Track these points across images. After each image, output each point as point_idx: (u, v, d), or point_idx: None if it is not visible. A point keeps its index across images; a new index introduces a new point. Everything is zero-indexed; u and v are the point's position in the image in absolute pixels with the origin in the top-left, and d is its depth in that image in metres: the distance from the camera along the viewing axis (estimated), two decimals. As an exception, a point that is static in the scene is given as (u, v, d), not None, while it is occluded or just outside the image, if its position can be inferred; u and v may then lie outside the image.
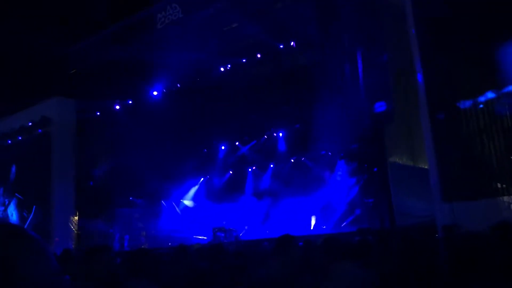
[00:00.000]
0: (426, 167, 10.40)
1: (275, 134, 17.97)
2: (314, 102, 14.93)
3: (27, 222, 17.97)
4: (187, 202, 19.71)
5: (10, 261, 0.81)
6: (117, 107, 17.59)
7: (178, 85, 16.28)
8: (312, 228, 16.36)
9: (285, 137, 17.82)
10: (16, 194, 18.88)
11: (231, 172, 19.65)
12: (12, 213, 19.00)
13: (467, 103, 9.24)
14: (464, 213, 8.71)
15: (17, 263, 0.81)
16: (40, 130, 17.85)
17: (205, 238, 16.59)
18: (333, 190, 16.66)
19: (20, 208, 18.73)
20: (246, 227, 17.84)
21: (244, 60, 15.65)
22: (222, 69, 16.06)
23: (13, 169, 19.08)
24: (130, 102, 16.94)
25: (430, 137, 9.70)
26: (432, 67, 9.70)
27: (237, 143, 18.79)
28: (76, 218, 17.28)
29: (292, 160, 18.29)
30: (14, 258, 0.81)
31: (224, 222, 16.92)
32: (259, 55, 15.48)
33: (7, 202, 19.38)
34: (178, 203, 19.46)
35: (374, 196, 13.74)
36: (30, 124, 18.05)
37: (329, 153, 17.10)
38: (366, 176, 14.38)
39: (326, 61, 13.12)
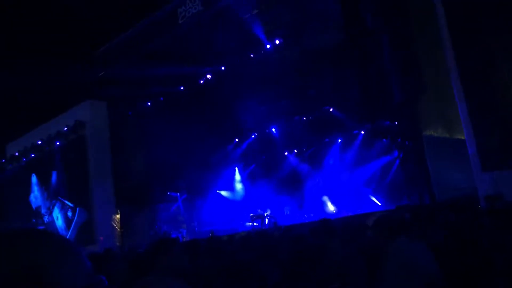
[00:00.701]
0: (462, 137, 10.22)
1: (304, 118, 17.91)
2: (340, 82, 14.87)
3: (72, 224, 18.71)
4: (224, 192, 20.02)
5: (40, 270, 0.77)
6: (148, 104, 17.94)
7: (209, 75, 16.36)
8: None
9: (313, 120, 17.77)
10: (59, 197, 19.57)
11: (264, 157, 19.83)
12: (57, 216, 19.73)
13: (500, 69, 9.01)
14: (507, 182, 8.55)
15: (47, 271, 0.78)
16: (75, 134, 18.38)
17: (256, 224, 16.72)
18: (369, 169, 16.61)
19: (64, 211, 19.42)
20: (287, 212, 17.99)
21: (268, 46, 15.56)
22: (248, 56, 16.00)
23: (54, 174, 19.78)
24: (162, 99, 17.21)
25: (465, 106, 9.52)
26: (462, 36, 9.48)
27: (267, 130, 18.88)
28: (118, 216, 17.82)
29: (327, 140, 18.30)
30: (43, 266, 0.78)
31: (259, 210, 17.10)
32: (279, 41, 15.36)
33: (51, 207, 20.15)
34: (215, 194, 19.78)
35: (411, 172, 13.58)
36: (65, 129, 18.58)
37: (362, 132, 17.01)
38: (401, 152, 14.22)
39: (353, 38, 12.95)
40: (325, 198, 17.28)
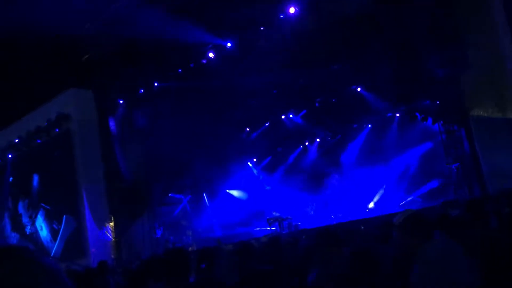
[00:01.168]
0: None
1: (327, 101, 17.88)
2: (370, 56, 14.86)
3: (59, 235, 19.07)
4: (235, 192, 20.22)
5: None
6: (141, 90, 18.05)
7: (211, 54, 16.30)
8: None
9: (338, 103, 17.75)
10: (42, 204, 19.92)
11: (280, 149, 19.98)
12: (41, 226, 20.10)
13: None
14: None
15: None
16: (58, 129, 18.62)
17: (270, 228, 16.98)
18: (406, 158, 16.67)
19: (49, 219, 19.76)
20: (311, 212, 18.18)
21: (281, 16, 15.43)
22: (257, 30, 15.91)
23: (35, 176, 20.11)
24: (156, 84, 17.32)
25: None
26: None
27: (283, 117, 18.97)
28: (112, 224, 18.09)
29: (355, 126, 18.35)
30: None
31: (274, 213, 17.28)
32: (295, 9, 15.25)
33: (33, 216, 20.46)
34: (225, 194, 19.99)
35: (458, 160, 13.61)
36: (46, 123, 18.82)
37: (397, 115, 17.03)
38: (445, 136, 14.25)
39: (385, 3, 12.92)
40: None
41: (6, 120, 20.37)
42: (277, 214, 17.08)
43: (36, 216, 20.31)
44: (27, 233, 20.78)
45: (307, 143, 19.63)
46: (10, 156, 21.04)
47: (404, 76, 13.95)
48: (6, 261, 0.88)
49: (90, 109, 18.33)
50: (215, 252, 5.54)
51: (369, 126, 18.20)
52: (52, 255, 18.95)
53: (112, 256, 17.42)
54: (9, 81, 17.67)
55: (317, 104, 18.00)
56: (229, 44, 15.90)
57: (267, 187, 18.35)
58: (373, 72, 15.44)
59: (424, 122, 15.32)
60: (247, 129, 19.57)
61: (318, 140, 19.44)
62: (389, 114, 17.36)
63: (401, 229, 3.58)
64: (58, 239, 19.13)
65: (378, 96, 16.41)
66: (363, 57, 15.10)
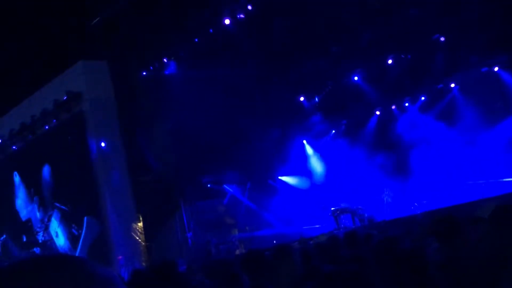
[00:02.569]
0: None
1: (402, 56, 17.51)
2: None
3: (80, 242, 19.11)
4: (287, 178, 20.06)
5: None
6: (165, 59, 17.93)
7: (249, 6, 16.16)
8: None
9: (416, 58, 17.34)
10: (57, 204, 20.08)
11: (345, 122, 19.66)
12: (57, 232, 20.26)
13: None
14: None
15: None
16: (69, 112, 18.70)
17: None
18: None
19: (66, 223, 19.85)
20: (388, 199, 17.79)
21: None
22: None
23: (45, 171, 20.25)
24: (182, 54, 17.22)
25: None
26: None
27: (345, 80, 18.67)
28: (141, 225, 18.20)
29: (440, 86, 17.91)
30: None
31: (342, 204, 17.10)
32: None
33: (46, 219, 20.62)
34: (277, 181, 19.84)
35: None
36: (53, 105, 18.91)
37: (495, 69, 16.50)
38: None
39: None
40: None
41: (5, 105, 20.61)
42: (346, 205, 16.82)
43: (50, 220, 20.46)
44: (40, 241, 20.91)
45: (378, 112, 19.19)
46: (14, 148, 21.28)
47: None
48: (59, 272, 0.95)
49: (105, 85, 18.33)
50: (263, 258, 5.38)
51: (456, 87, 17.66)
52: None
53: (143, 264, 17.53)
54: (4, 55, 17.85)
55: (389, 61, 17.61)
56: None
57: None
58: (458, 17, 14.97)
59: None
60: (301, 98, 19.29)
61: (393, 107, 19.01)
62: (484, 69, 16.80)
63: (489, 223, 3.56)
64: (79, 247, 19.15)
65: (467, 46, 15.91)
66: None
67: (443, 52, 16.39)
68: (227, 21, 16.43)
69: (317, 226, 18.15)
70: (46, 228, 20.64)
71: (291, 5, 15.60)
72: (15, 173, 21.74)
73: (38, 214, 21.01)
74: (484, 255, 3.48)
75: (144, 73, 18.12)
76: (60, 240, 20.09)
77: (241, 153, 18.05)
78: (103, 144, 18.04)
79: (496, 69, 16.55)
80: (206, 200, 19.28)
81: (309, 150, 20.40)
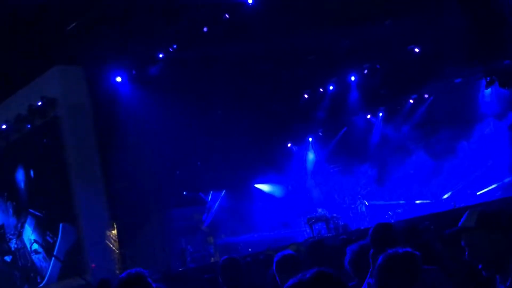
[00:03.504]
0: None
1: (378, 66, 17.74)
2: (430, 7, 14.63)
3: (55, 250, 18.62)
4: (263, 186, 20.19)
5: None
6: (145, 64, 17.95)
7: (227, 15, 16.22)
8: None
9: (392, 68, 17.56)
10: (31, 210, 19.69)
11: (320, 133, 19.86)
12: (31, 240, 19.75)
13: None
14: None
15: None
16: (43, 117, 18.55)
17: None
18: (483, 134, 16.40)
19: (40, 230, 19.41)
20: (362, 208, 17.98)
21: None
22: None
23: (18, 176, 20.00)
24: (161, 56, 17.24)
25: None
26: None
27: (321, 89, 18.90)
28: (115, 232, 18.16)
29: (414, 97, 18.20)
30: None
31: (319, 209, 17.26)
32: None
33: (20, 226, 20.20)
34: (253, 189, 19.96)
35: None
36: (28, 111, 18.76)
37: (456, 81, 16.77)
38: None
39: None
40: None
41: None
42: (323, 212, 17.00)
43: (23, 227, 20.05)
44: (12, 249, 20.45)
45: (369, 116, 19.50)
46: None
47: (477, 28, 13.73)
48: None
49: (81, 91, 18.14)
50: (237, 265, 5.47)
51: (431, 97, 17.99)
52: (46, 279, 18.65)
53: (117, 272, 17.44)
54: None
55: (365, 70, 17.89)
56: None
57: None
58: (436, 27, 15.23)
59: (506, 88, 15.01)
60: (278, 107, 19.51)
61: (369, 116, 19.31)
62: (458, 80, 17.12)
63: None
64: (53, 255, 18.71)
65: (445, 57, 16.16)
66: (421, 9, 14.89)
67: (418, 63, 16.63)
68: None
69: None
70: (19, 235, 20.19)
71: (261, 15, 15.71)
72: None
73: (11, 220, 20.60)
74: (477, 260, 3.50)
75: (120, 79, 18.10)
76: (34, 248, 19.58)
77: (217, 160, 18.19)
78: (78, 150, 17.96)
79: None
80: (181, 208, 19.33)
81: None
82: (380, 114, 19.04)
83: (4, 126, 19.77)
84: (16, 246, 20.39)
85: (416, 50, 16.74)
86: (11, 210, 20.66)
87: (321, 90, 19.10)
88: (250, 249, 17.49)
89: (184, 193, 19.33)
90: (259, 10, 15.58)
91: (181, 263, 17.18)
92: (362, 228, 15.54)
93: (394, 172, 18.17)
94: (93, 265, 17.48)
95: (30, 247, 19.64)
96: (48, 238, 19.00)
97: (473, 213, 3.49)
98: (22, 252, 20.08)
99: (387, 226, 4.92)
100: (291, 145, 20.85)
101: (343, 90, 18.67)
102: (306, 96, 19.40)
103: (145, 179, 18.07)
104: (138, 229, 18.19)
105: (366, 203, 18.08)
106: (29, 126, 19.09)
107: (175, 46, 17.12)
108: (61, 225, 18.52)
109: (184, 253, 17.72)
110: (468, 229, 3.47)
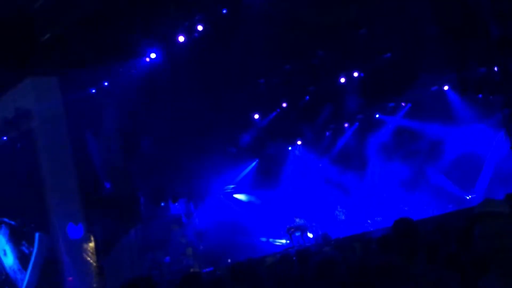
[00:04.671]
0: None
1: (355, 75, 17.80)
2: (403, 14, 14.77)
3: (31, 261, 18.48)
4: (240, 196, 20.25)
5: None
6: (118, 73, 17.96)
7: (200, 26, 16.33)
8: None
9: (367, 76, 17.68)
10: (5, 219, 19.48)
11: (299, 143, 19.95)
12: (4, 250, 19.57)
13: None
14: None
15: None
16: (18, 130, 18.48)
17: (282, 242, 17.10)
18: (457, 145, 16.56)
19: (15, 239, 19.19)
20: (341, 216, 18.07)
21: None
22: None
23: None
24: (133, 69, 17.29)
25: None
26: None
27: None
28: (92, 245, 18.07)
29: (391, 105, 18.28)
30: None
31: (297, 219, 17.32)
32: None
33: None
34: (230, 199, 20.00)
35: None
36: (2, 122, 18.67)
37: (444, 88, 16.91)
38: (507, 114, 14.06)
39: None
40: None
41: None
42: (301, 221, 17.07)
43: None
44: None
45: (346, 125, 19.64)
46: None
47: (451, 36, 13.89)
48: None
49: (55, 102, 18.05)
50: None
51: (407, 105, 18.13)
52: None
53: (94, 286, 17.38)
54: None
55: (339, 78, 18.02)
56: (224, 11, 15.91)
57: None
58: (410, 34, 15.38)
59: (480, 96, 15.20)
60: (256, 116, 19.60)
61: (346, 125, 19.44)
62: (434, 88, 17.27)
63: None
64: (29, 267, 18.50)
65: (419, 64, 16.31)
66: (394, 17, 15.02)
67: (394, 71, 16.74)
68: (181, 38, 16.65)
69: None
70: None
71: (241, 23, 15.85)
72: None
73: None
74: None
75: (94, 90, 18.11)
76: (9, 259, 19.29)
77: (194, 170, 18.22)
78: (53, 161, 17.90)
79: (445, 88, 16.98)
80: (159, 219, 19.31)
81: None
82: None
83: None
84: None
85: (392, 58, 16.85)
86: None
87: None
88: (229, 260, 17.55)
89: (162, 204, 19.32)
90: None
91: (159, 275, 17.14)
92: (341, 237, 15.65)
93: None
94: (70, 278, 17.41)
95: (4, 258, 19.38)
96: (23, 248, 18.80)
97: (491, 201, 3.38)
98: None
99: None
100: (271, 153, 20.90)
101: (323, 98, 18.80)
102: (284, 105, 19.52)
103: (122, 191, 18.05)
104: (114, 241, 18.12)
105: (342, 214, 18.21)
106: (3, 138, 18.98)
107: (153, 52, 17.15)
108: (37, 234, 18.37)
109: (162, 265, 17.69)
110: (499, 215, 3.31)
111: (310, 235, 17.50)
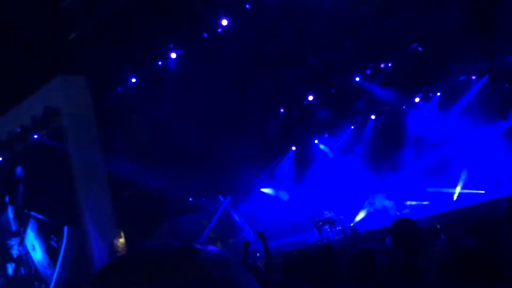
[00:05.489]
0: None
1: (382, 66, 17.80)
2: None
3: (60, 256, 18.67)
4: (267, 190, 20.33)
5: None
6: (146, 70, 18.11)
7: (225, 20, 16.41)
8: None
9: (395, 67, 17.65)
10: (33, 213, 19.62)
11: (327, 135, 19.99)
12: (33, 245, 19.72)
13: None
14: None
15: None
16: (47, 128, 18.81)
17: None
18: (488, 134, 16.47)
19: (44, 233, 19.31)
20: (371, 209, 18.00)
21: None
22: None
23: (22, 181, 20.04)
24: (160, 63, 17.41)
25: None
26: None
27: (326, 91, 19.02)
28: (122, 240, 18.21)
29: (420, 95, 18.24)
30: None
31: (325, 212, 17.31)
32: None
33: (22, 230, 20.02)
34: (259, 193, 20.09)
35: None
36: (31, 121, 18.92)
37: (472, 77, 16.83)
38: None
39: None
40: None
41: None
42: (330, 214, 17.05)
43: (25, 231, 19.84)
44: (14, 256, 20.24)
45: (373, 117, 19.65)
46: None
47: (480, 24, 13.81)
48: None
49: (84, 100, 18.38)
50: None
51: (438, 94, 18.05)
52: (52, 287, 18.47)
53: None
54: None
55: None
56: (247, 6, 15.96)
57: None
58: (437, 24, 15.27)
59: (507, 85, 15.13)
60: (281, 111, 19.64)
61: (373, 117, 19.41)
62: (462, 78, 17.18)
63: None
64: (59, 262, 18.59)
65: (446, 54, 16.23)
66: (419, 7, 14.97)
67: (422, 62, 16.70)
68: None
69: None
70: (22, 241, 19.99)
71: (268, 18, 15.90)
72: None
73: (12, 225, 20.40)
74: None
75: (120, 88, 18.29)
76: (38, 254, 19.38)
77: (223, 166, 18.34)
78: (83, 159, 18.08)
79: (473, 77, 16.88)
80: (188, 214, 19.45)
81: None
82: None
83: (8, 136, 19.96)
84: (18, 253, 20.08)
85: (420, 49, 16.81)
86: (12, 214, 20.45)
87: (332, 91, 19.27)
88: (258, 254, 17.62)
89: (190, 199, 19.46)
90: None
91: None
92: (371, 229, 15.64)
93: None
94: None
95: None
96: (52, 243, 18.81)
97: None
98: (25, 259, 19.80)
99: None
100: (295, 148, 20.98)
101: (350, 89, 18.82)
102: (311, 98, 19.56)
103: (152, 187, 18.18)
104: (145, 237, 18.27)
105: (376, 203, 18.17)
106: (32, 137, 19.24)
107: (179, 52, 17.25)
108: (65, 228, 18.42)
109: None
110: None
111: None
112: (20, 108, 19.67)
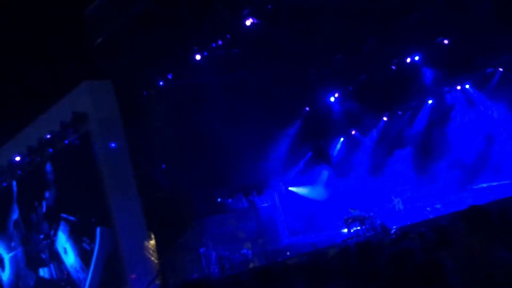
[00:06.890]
0: None
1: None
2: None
3: (93, 258, 18.74)
4: (299, 189, 20.37)
5: None
6: (169, 76, 18.33)
7: (249, 20, 16.49)
8: None
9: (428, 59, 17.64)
10: (63, 215, 19.70)
11: (353, 132, 19.99)
12: (65, 248, 19.76)
13: None
14: None
15: None
16: (75, 133, 19.03)
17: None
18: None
19: (75, 235, 19.37)
20: (399, 206, 17.95)
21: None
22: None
23: (49, 193, 20.37)
24: (185, 66, 17.54)
25: None
26: None
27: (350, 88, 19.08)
28: (153, 242, 18.39)
29: (446, 89, 18.20)
30: None
31: (351, 209, 17.35)
32: None
33: (53, 233, 20.12)
34: (287, 193, 20.15)
35: None
36: (60, 126, 19.18)
37: (500, 69, 16.73)
38: None
39: None
40: None
41: (11, 128, 20.99)
42: (357, 212, 17.09)
43: (56, 234, 19.86)
44: (45, 260, 20.28)
45: (385, 118, 19.56)
46: (20, 172, 21.38)
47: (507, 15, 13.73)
48: None
49: (110, 104, 18.59)
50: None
51: (467, 86, 17.94)
52: None
53: (158, 283, 17.54)
54: (9, 79, 18.14)
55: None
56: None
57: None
58: (464, 15, 15.21)
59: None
60: (307, 109, 19.73)
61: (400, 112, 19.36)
62: (490, 70, 17.06)
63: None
64: (92, 264, 18.62)
65: (474, 46, 16.11)
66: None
67: (448, 54, 16.62)
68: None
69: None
70: (52, 244, 20.04)
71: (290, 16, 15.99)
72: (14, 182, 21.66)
73: (42, 226, 20.50)
74: None
75: (145, 92, 18.54)
76: (70, 258, 19.42)
77: (250, 166, 18.45)
78: (110, 162, 18.31)
79: (500, 69, 16.75)
80: (217, 215, 19.55)
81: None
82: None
83: (38, 142, 20.25)
84: (49, 256, 20.15)
85: (445, 41, 16.72)
86: (42, 217, 20.51)
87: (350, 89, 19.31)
88: (288, 253, 17.71)
89: (219, 200, 19.57)
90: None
91: (219, 270, 17.34)
92: (399, 226, 15.59)
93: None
94: (133, 276, 17.63)
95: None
96: (85, 245, 18.82)
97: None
98: (57, 263, 19.87)
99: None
100: (322, 145, 21.00)
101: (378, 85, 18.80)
102: (336, 95, 19.61)
103: (180, 189, 18.33)
104: (175, 238, 18.39)
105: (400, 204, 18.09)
106: (62, 142, 19.52)
107: (205, 53, 17.39)
108: (98, 229, 18.45)
109: (222, 260, 17.85)
110: None
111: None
112: (49, 114, 20.02)
